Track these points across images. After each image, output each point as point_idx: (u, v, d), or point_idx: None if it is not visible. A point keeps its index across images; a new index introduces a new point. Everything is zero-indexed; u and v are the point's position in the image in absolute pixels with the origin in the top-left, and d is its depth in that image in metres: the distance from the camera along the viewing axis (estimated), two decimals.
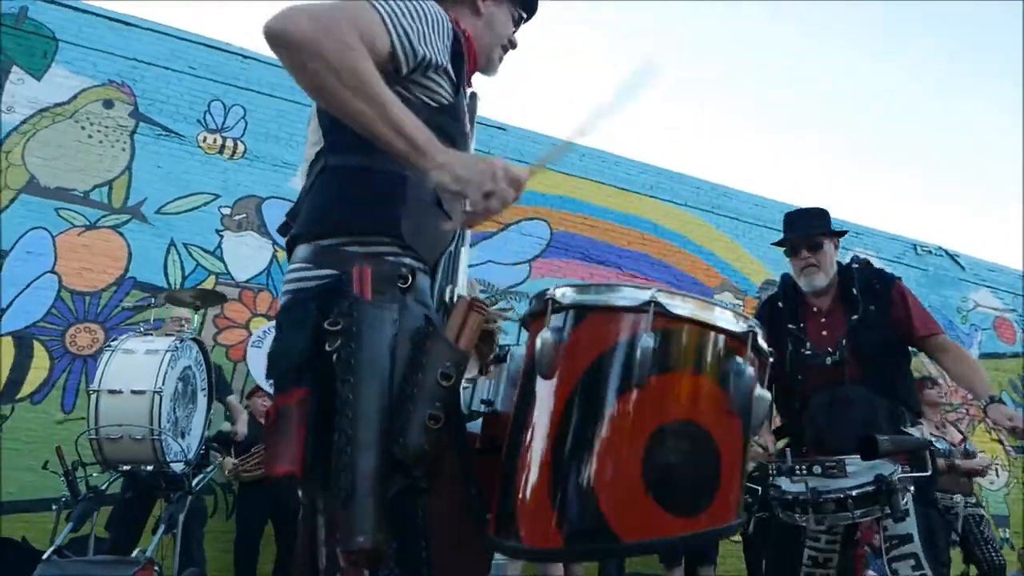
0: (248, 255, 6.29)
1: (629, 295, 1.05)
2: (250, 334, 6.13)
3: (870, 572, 7.02)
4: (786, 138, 49.38)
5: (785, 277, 2.74)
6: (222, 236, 6.26)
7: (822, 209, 2.78)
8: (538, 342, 1.06)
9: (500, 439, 1.20)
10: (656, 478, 0.98)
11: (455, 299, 1.27)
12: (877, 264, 8.78)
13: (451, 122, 1.28)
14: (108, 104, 6.06)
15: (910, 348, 2.60)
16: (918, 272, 10.35)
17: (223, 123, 6.51)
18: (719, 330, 1.05)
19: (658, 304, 1.01)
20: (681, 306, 1.04)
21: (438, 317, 1.21)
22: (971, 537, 4.40)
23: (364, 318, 1.08)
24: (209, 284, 5.99)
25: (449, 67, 1.29)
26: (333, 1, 1.13)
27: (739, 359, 1.04)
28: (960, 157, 41.71)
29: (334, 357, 1.07)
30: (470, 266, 6.26)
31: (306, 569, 1.17)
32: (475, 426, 1.31)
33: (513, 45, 1.54)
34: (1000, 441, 9.80)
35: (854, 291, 2.54)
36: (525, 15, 1.55)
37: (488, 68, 1.50)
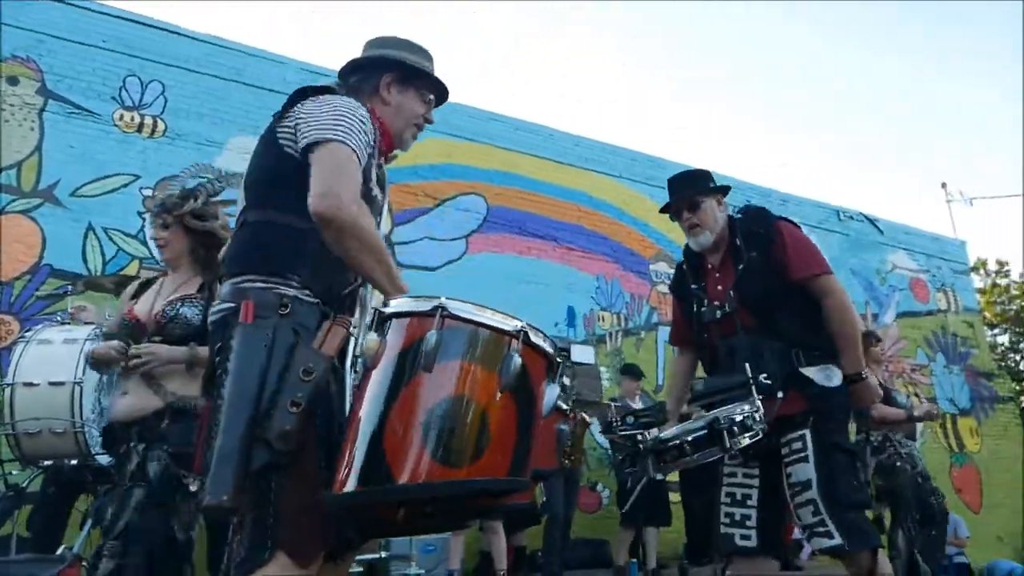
0: None
1: (421, 304, 1.36)
2: None
3: None
4: (726, 112, 50.34)
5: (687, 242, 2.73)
6: (144, 218, 5.98)
7: (701, 170, 2.80)
8: (366, 342, 1.36)
9: None
10: (435, 437, 1.24)
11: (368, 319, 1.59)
12: (804, 230, 9.05)
13: (374, 208, 1.63)
14: (12, 81, 5.67)
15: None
16: (840, 237, 10.79)
17: (140, 100, 6.20)
18: (491, 328, 1.34)
19: (444, 308, 1.32)
20: (465, 310, 1.33)
21: (310, 334, 1.47)
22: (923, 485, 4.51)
23: (240, 337, 1.39)
24: (132, 270, 5.74)
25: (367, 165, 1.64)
26: (338, 156, 1.49)
27: (509, 350, 1.33)
28: (883, 129, 43.35)
29: (218, 372, 1.41)
30: (407, 243, 6.19)
31: None
32: None
33: (428, 122, 1.84)
34: (917, 395, 10.40)
35: (738, 242, 2.53)
36: (433, 96, 1.84)
37: (401, 145, 1.82)
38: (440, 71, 1.86)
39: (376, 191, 1.68)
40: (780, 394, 2.20)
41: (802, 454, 2.28)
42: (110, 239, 5.82)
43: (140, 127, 6.14)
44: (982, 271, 20.51)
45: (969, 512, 10.06)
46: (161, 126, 6.21)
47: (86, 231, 5.72)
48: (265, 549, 1.32)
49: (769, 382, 2.17)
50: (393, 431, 1.26)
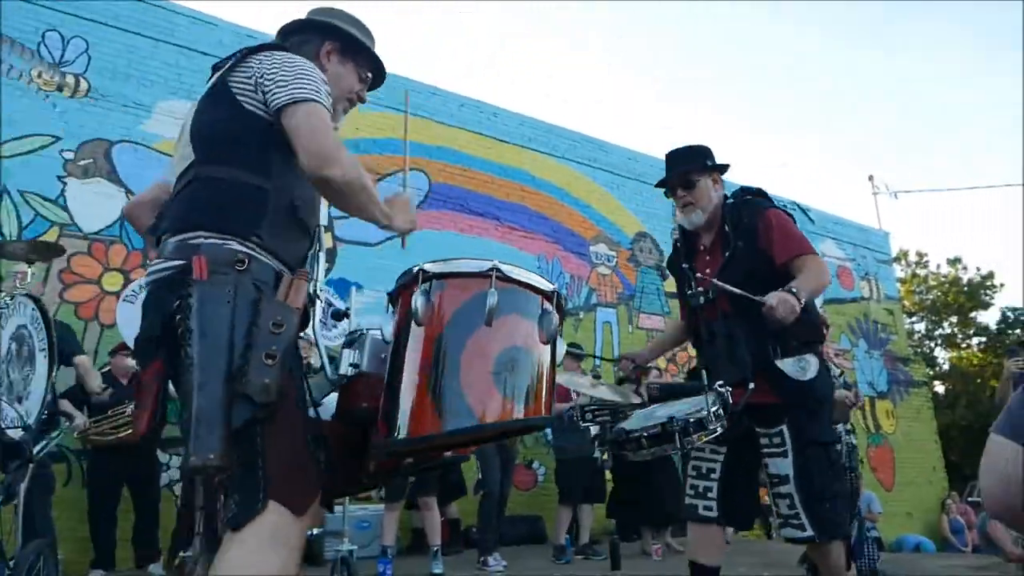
0: (98, 204, 5.74)
1: (474, 265, 1.49)
2: (103, 290, 5.65)
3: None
4: (711, 111, 50.99)
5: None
6: (65, 183, 5.68)
7: (700, 147, 2.65)
8: (414, 301, 1.43)
9: (364, 397, 1.56)
10: (509, 382, 1.42)
11: (318, 291, 1.62)
12: None
13: None
14: None
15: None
16: None
17: (61, 57, 5.84)
18: (538, 290, 1.53)
19: (499, 271, 1.47)
20: (515, 272, 1.50)
21: (270, 288, 1.46)
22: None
23: (199, 295, 1.34)
24: (52, 236, 5.44)
25: None
26: (320, 117, 1.49)
27: (549, 311, 1.54)
28: (815, 123, 44.75)
29: (179, 330, 1.33)
30: (347, 217, 6.06)
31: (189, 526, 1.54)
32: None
33: (361, 100, 1.82)
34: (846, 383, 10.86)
35: (726, 228, 2.48)
36: (371, 76, 1.82)
37: (332, 118, 1.74)
38: (384, 57, 1.84)
39: None
40: (751, 385, 2.20)
41: (780, 449, 2.31)
42: (27, 203, 5.50)
43: (61, 86, 5.79)
44: (903, 261, 21.55)
45: (882, 489, 10.63)
46: (84, 85, 5.88)
47: (0, 194, 5.39)
48: (257, 501, 1.31)
49: (723, 389, 2.15)
50: (468, 378, 1.39)
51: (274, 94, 1.48)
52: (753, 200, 2.55)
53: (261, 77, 1.51)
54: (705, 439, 2.04)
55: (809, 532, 2.25)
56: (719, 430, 2.05)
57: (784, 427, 2.31)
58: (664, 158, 2.68)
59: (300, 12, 1.86)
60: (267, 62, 1.53)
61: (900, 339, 12.62)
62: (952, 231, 40.46)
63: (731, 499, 2.38)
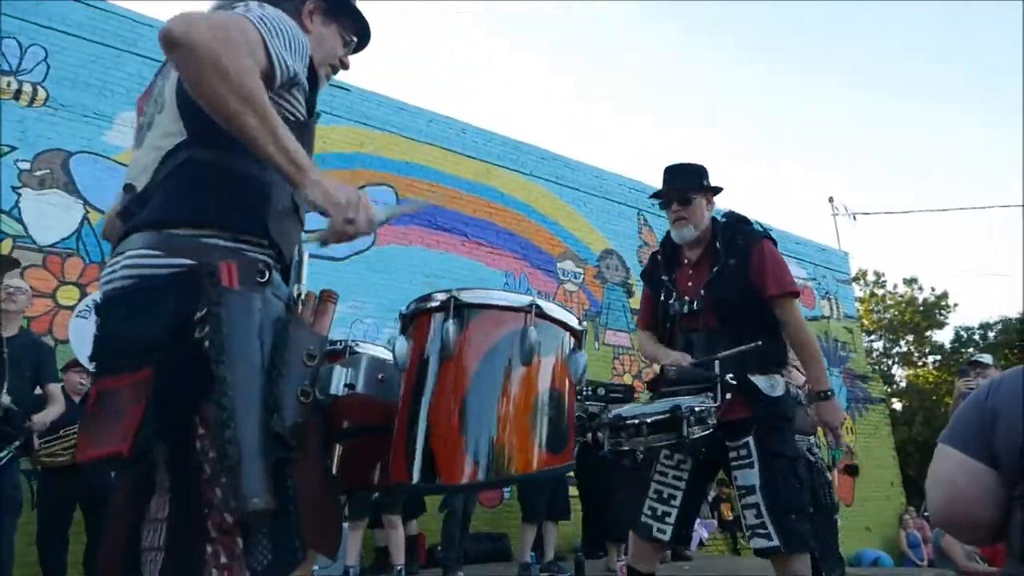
0: (54, 216, 5.61)
1: (513, 298, 1.40)
2: (57, 304, 5.51)
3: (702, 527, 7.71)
4: (636, 119, 51.82)
5: (669, 231, 2.78)
6: (20, 194, 5.53)
7: (699, 166, 2.79)
8: (445, 330, 1.32)
9: (358, 418, 1.43)
10: (545, 425, 1.34)
11: (303, 295, 1.45)
12: None
13: (305, 139, 1.37)
14: None
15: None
16: None
17: (19, 65, 5.71)
18: (570, 329, 1.46)
19: (538, 306, 1.38)
20: (553, 309, 1.42)
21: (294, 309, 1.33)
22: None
23: (233, 306, 1.16)
24: (5, 248, 5.29)
25: (306, 85, 1.40)
26: (222, 15, 1.22)
27: (577, 349, 1.47)
28: (784, 146, 45.83)
29: (206, 343, 1.13)
30: (314, 231, 6.05)
31: (119, 552, 1.22)
32: None
33: (344, 66, 1.63)
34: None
35: (717, 244, 2.60)
36: (356, 39, 1.64)
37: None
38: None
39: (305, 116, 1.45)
40: (728, 396, 2.26)
41: (747, 460, 2.41)
42: None
43: (18, 94, 5.66)
44: (862, 281, 22.09)
45: (842, 504, 10.80)
46: (42, 94, 5.76)
47: None
48: (294, 549, 1.16)
49: (735, 383, 2.26)
50: (505, 422, 1.31)
51: None
52: (748, 227, 2.70)
53: None
54: (700, 433, 2.03)
55: (775, 542, 2.32)
56: (712, 428, 2.08)
57: (750, 439, 2.41)
58: (663, 171, 2.79)
59: None
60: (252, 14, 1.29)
61: (859, 357, 12.89)
62: (908, 252, 41.67)
63: (680, 524, 2.51)
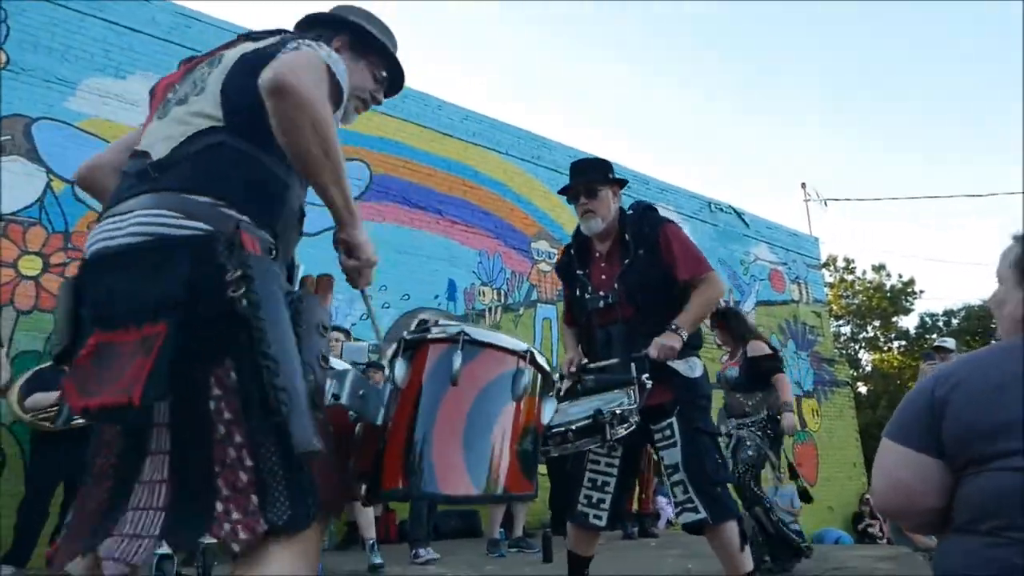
0: (15, 183, 5.43)
1: (513, 343, 1.57)
2: (19, 274, 5.37)
3: (660, 497, 7.85)
4: (625, 99, 51.76)
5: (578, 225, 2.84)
6: None
7: (603, 160, 2.88)
8: (454, 361, 1.45)
9: (334, 428, 1.49)
10: (522, 455, 1.51)
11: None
12: (675, 217, 9.45)
13: None
14: None
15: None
16: (710, 227, 11.42)
17: None
18: (546, 375, 1.63)
19: (531, 354, 1.56)
20: (540, 359, 1.59)
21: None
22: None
23: (259, 268, 1.21)
24: None
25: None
26: (315, 62, 1.33)
27: (549, 392, 1.66)
28: (753, 129, 46.12)
29: (243, 302, 1.16)
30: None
31: (96, 515, 1.25)
32: None
33: (376, 101, 1.73)
34: None
35: (626, 236, 2.66)
36: (386, 76, 1.72)
37: (343, 118, 1.62)
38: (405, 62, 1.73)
39: None
40: (649, 384, 2.36)
41: (671, 440, 2.50)
42: None
43: None
44: (832, 267, 22.43)
45: (806, 484, 11.05)
46: (2, 57, 5.56)
47: None
48: (309, 505, 1.19)
49: (651, 382, 2.33)
50: (497, 447, 1.48)
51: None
52: (652, 212, 2.76)
53: None
54: (625, 432, 2.11)
55: (703, 514, 2.41)
56: (635, 425, 2.14)
57: (673, 419, 2.50)
58: (569, 167, 2.87)
59: None
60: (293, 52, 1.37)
61: (827, 341, 13.14)
62: (877, 239, 42.37)
63: (615, 509, 2.60)
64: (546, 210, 9.01)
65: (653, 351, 2.42)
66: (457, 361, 1.45)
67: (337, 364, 1.55)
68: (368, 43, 1.66)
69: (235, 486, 1.15)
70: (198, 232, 1.23)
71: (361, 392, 1.47)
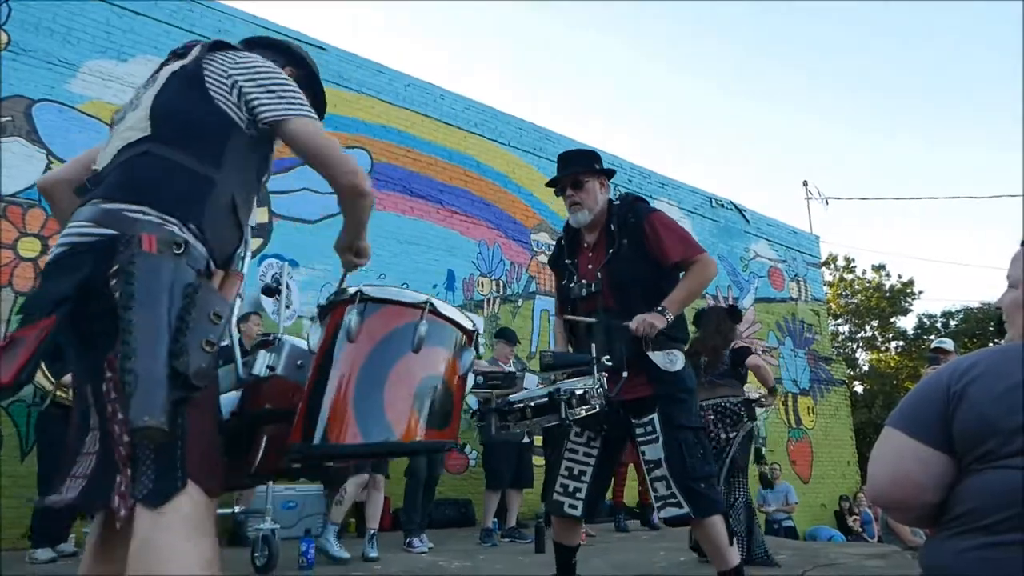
0: (15, 165, 5.43)
1: (411, 296, 1.58)
2: (18, 255, 5.37)
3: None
4: (630, 97, 51.60)
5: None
6: None
7: (590, 150, 2.88)
8: (348, 318, 1.51)
9: (271, 399, 1.63)
10: (429, 405, 1.52)
11: (240, 292, 1.63)
12: (676, 212, 9.45)
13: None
14: None
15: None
16: (711, 223, 11.41)
17: None
18: (461, 327, 1.63)
19: (432, 305, 1.56)
20: (446, 309, 1.60)
21: (206, 278, 1.48)
22: None
23: (143, 264, 1.31)
24: None
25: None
26: (326, 135, 1.59)
27: (467, 347, 1.65)
28: (754, 127, 46.01)
29: (116, 294, 1.28)
30: (285, 192, 5.95)
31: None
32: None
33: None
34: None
35: (612, 227, 2.66)
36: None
37: None
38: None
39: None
40: (624, 373, 2.36)
41: (652, 435, 2.49)
42: None
43: None
44: (832, 266, 22.42)
45: (800, 481, 11.10)
46: (3, 38, 5.54)
47: None
48: (176, 479, 1.28)
49: (611, 364, 2.31)
50: (390, 397, 1.48)
51: (263, 103, 1.54)
52: (638, 202, 2.75)
53: (240, 77, 1.56)
54: (585, 413, 2.11)
55: (685, 509, 2.40)
56: (598, 407, 2.14)
57: (655, 415, 2.49)
58: (556, 159, 2.87)
59: None
60: (243, 64, 1.58)
61: (824, 339, 13.15)
62: (878, 239, 42.34)
63: (591, 499, 2.59)
64: (547, 202, 9.00)
65: (633, 324, 2.43)
66: (354, 318, 1.50)
67: (284, 339, 1.66)
68: (313, 81, 1.86)
69: (124, 460, 1.28)
70: (102, 237, 1.37)
71: (300, 363, 1.58)
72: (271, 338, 1.69)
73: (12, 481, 4.85)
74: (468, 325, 1.65)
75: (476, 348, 1.72)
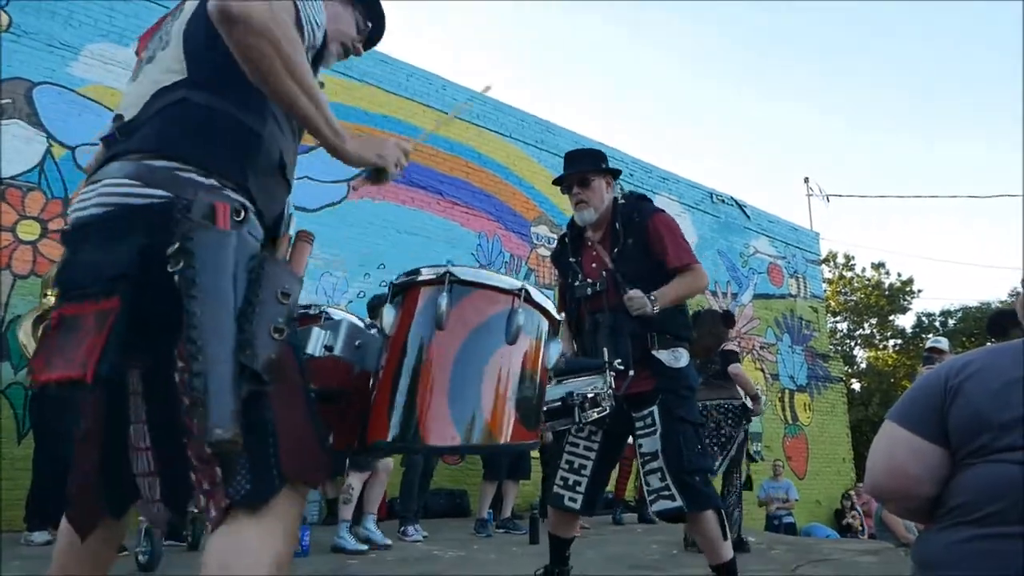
0: (14, 147, 5.42)
1: (506, 281, 1.46)
2: (17, 238, 5.37)
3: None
4: (631, 92, 51.46)
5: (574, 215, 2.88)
6: None
7: (596, 150, 2.91)
8: (440, 303, 1.38)
9: (327, 381, 1.44)
10: (521, 403, 1.42)
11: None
12: (677, 207, 9.45)
13: None
14: None
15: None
16: (711, 218, 11.39)
17: None
18: (550, 316, 1.54)
19: (527, 291, 1.45)
20: (538, 297, 1.50)
21: (268, 250, 1.33)
22: None
23: (207, 242, 1.15)
24: None
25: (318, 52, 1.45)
26: None
27: (555, 338, 1.57)
28: (755, 123, 45.93)
29: (176, 277, 1.12)
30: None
31: (91, 477, 1.28)
32: None
33: (356, 52, 1.65)
34: (761, 369, 11.28)
35: (617, 225, 2.69)
36: (370, 25, 1.66)
37: (324, 61, 1.54)
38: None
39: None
40: (631, 372, 2.36)
41: (651, 428, 2.50)
42: None
43: None
44: (832, 263, 22.41)
45: (795, 477, 11.13)
46: (4, 19, 5.52)
47: None
48: (272, 479, 1.16)
49: (622, 367, 2.30)
50: (488, 393, 1.37)
51: None
52: (644, 202, 2.80)
53: None
54: (597, 416, 2.12)
55: (678, 502, 2.41)
56: (608, 409, 2.15)
57: (655, 408, 2.51)
58: (563, 157, 2.90)
59: None
60: None
61: (822, 336, 13.16)
62: (878, 237, 42.33)
63: (591, 493, 2.61)
64: (547, 195, 8.99)
65: (632, 294, 2.49)
66: (443, 303, 1.37)
67: (336, 315, 1.52)
68: None
69: (201, 457, 1.14)
70: (155, 200, 1.20)
71: (358, 343, 1.43)
72: (312, 311, 1.56)
73: (9, 463, 4.86)
74: (556, 314, 1.57)
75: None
